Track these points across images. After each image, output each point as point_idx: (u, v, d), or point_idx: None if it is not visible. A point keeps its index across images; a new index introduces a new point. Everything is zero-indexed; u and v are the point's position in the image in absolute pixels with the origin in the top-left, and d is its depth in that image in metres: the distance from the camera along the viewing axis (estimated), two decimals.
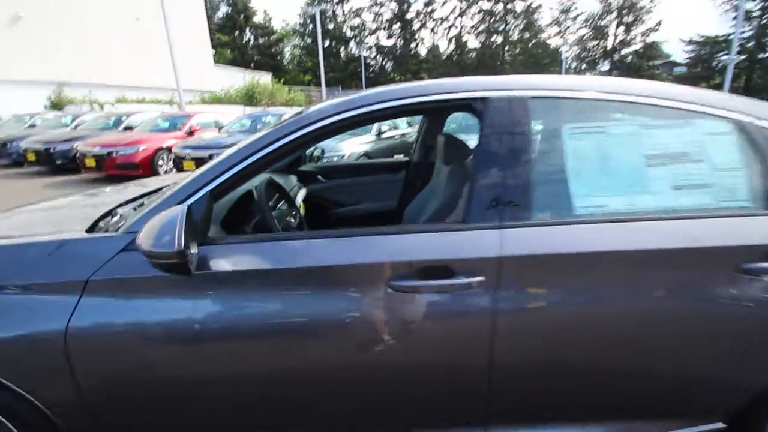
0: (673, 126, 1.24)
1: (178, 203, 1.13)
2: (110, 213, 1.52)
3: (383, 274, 1.11)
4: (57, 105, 17.22)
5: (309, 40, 40.98)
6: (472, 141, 2.31)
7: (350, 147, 6.27)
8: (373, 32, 42.98)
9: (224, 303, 1.12)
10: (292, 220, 1.65)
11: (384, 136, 7.31)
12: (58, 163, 8.85)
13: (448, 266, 1.11)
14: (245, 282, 1.13)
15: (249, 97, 21.94)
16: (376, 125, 7.09)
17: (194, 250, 1.08)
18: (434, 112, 2.56)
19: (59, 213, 1.73)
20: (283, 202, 1.84)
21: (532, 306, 1.13)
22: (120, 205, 1.62)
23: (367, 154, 6.55)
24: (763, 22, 30.77)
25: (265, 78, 27.12)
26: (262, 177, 2.15)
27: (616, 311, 1.14)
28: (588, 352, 1.16)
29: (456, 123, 6.56)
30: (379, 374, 1.17)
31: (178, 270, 0.99)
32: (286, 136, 1.20)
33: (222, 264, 1.13)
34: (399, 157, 6.72)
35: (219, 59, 33.41)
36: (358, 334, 1.13)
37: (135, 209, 1.43)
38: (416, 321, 1.13)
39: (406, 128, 8.45)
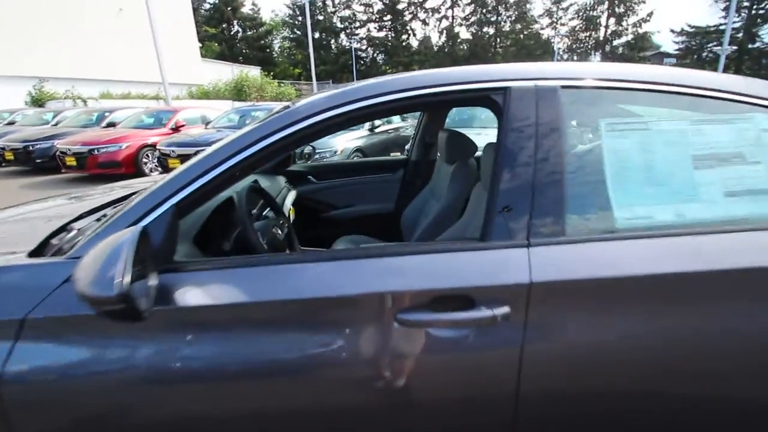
0: (728, 121, 1.05)
1: (132, 223, 0.92)
2: (66, 227, 1.30)
3: (389, 307, 0.91)
4: (38, 101, 16.66)
5: (299, 32, 40.25)
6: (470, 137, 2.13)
7: (343, 143, 6.04)
8: (363, 24, 42.35)
9: (195, 343, 0.91)
10: (279, 232, 1.44)
11: (377, 130, 7.08)
12: (37, 162, 8.47)
13: (466, 295, 0.91)
14: (219, 318, 0.93)
15: (238, 92, 21.49)
16: None
17: (153, 281, 0.87)
18: (440, 106, 2.34)
19: (14, 227, 1.50)
20: (268, 209, 1.62)
21: (567, 340, 0.94)
22: (79, 217, 1.40)
23: (360, 150, 6.33)
24: (753, 12, 30.89)
25: (253, 72, 26.59)
26: (245, 180, 1.93)
27: (668, 341, 0.95)
28: (632, 388, 0.98)
29: (449, 117, 6.34)
30: (383, 416, 0.98)
31: (123, 317, 0.78)
32: (269, 135, 0.99)
33: (191, 296, 0.92)
34: (396, 155, 6.51)
35: (206, 52, 32.67)
36: (361, 375, 0.94)
37: (98, 220, 1.22)
38: (429, 360, 0.93)
39: (399, 122, 8.23)
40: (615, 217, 0.98)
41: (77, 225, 1.31)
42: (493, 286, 0.91)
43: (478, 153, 2.09)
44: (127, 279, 0.73)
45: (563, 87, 1.01)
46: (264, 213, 1.63)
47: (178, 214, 0.98)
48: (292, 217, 2.46)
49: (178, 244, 1.16)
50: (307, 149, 2.91)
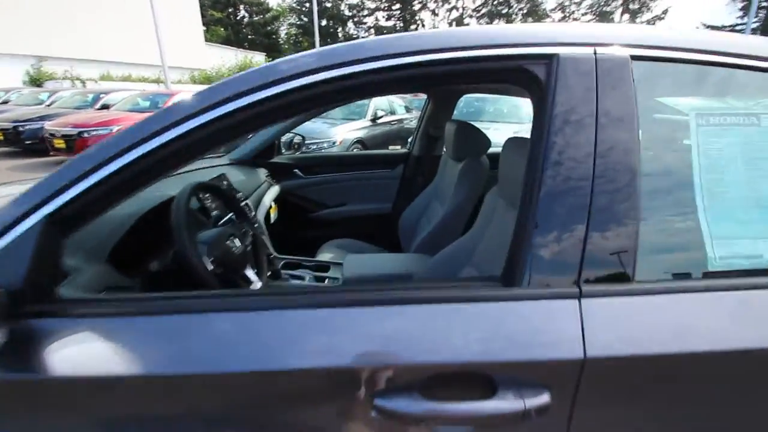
0: None
1: None
2: None
3: (362, 388, 0.59)
4: (36, 80, 16.29)
5: (305, 19, 39.55)
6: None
7: (343, 133, 5.68)
8: (372, 12, 41.52)
9: None
10: (237, 244, 1.11)
11: (380, 121, 6.71)
12: (27, 143, 8.17)
13: (482, 374, 0.59)
14: (94, 397, 0.61)
15: None
16: (371, 108, 6.49)
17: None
18: (451, 83, 1.97)
19: None
20: (231, 214, 1.30)
21: None
22: None
23: (360, 142, 5.97)
24: None
25: (258, 58, 26.13)
26: (207, 174, 1.61)
27: None
28: None
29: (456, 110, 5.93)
30: None
31: None
32: (217, 106, 0.66)
33: (65, 358, 0.61)
34: (396, 149, 6.15)
35: (212, 37, 32.13)
36: None
37: None
38: None
39: (403, 114, 7.85)
40: (708, 255, 0.65)
41: None
42: (525, 362, 0.58)
43: (493, 149, 1.78)
44: None
45: (635, 57, 0.68)
46: (227, 217, 1.31)
47: (63, 228, 0.67)
48: (273, 217, 2.14)
49: (85, 265, 0.84)
50: (297, 138, 2.57)
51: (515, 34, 0.70)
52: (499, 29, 0.71)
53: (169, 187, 1.24)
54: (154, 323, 0.64)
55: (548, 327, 0.60)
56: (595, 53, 0.68)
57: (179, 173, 1.50)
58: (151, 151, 0.66)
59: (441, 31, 0.72)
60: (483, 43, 0.69)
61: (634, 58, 0.68)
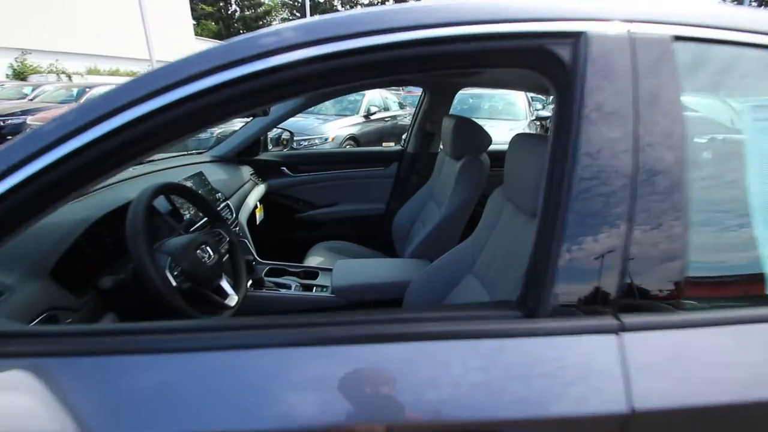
0: None
1: None
2: None
3: None
4: (21, 74, 15.87)
5: (298, 14, 39.23)
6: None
7: (334, 129, 5.53)
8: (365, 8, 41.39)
9: None
10: (209, 254, 0.98)
11: (373, 118, 6.56)
12: (8, 138, 7.89)
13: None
14: None
15: None
16: (365, 103, 6.34)
17: None
18: (454, 67, 1.82)
19: None
20: (205, 220, 1.17)
21: None
22: None
23: (353, 138, 5.82)
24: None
25: None
26: (189, 172, 1.47)
27: None
28: None
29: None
30: None
31: None
32: (174, 87, 0.54)
33: None
34: (390, 146, 6.01)
35: (203, 31, 31.71)
36: None
37: None
38: None
39: (397, 110, 7.71)
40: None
41: None
42: (552, 419, 0.47)
43: (493, 147, 1.67)
44: None
45: (678, 38, 0.56)
46: (199, 223, 1.17)
47: None
48: (259, 218, 2.01)
49: (21, 283, 0.71)
50: (285, 134, 2.43)
51: (533, 7, 0.58)
52: (521, 2, 0.59)
53: (136, 188, 1.11)
54: (93, 366, 0.51)
55: (581, 371, 0.48)
56: (629, 32, 0.56)
57: (151, 172, 1.36)
58: (91, 143, 0.53)
59: (441, 3, 0.59)
60: (492, 17, 0.57)
61: (677, 38, 0.56)
